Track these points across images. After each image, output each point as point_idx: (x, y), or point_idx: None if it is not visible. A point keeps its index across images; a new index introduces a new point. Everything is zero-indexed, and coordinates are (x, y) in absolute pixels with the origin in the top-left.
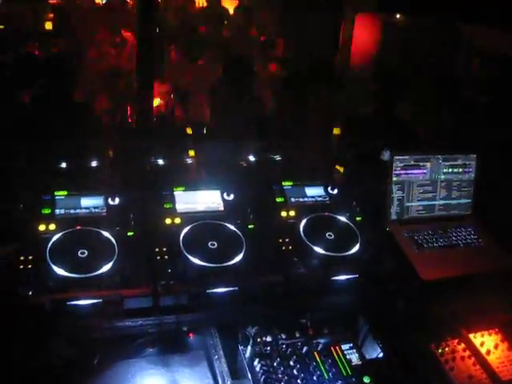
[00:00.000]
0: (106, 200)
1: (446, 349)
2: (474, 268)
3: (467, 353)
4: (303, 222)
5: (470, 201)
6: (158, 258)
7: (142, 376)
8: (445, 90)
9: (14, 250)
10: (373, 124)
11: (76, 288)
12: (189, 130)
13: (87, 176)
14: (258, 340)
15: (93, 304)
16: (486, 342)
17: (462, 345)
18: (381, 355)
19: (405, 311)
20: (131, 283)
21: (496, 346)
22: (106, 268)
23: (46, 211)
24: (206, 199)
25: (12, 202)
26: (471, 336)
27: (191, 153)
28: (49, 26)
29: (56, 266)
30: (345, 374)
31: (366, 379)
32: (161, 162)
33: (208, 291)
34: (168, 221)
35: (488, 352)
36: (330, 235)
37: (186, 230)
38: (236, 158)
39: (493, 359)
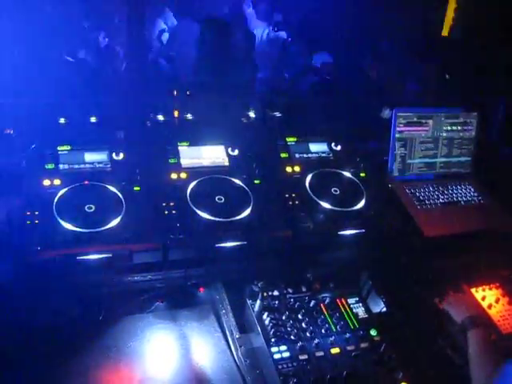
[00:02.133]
0: (110, 155)
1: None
2: (474, 225)
3: None
4: (309, 177)
5: (469, 159)
6: (166, 212)
7: (150, 330)
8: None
9: (19, 204)
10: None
11: (85, 243)
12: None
13: (89, 131)
14: (265, 294)
15: (102, 259)
16: (487, 296)
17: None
18: (384, 309)
19: (408, 266)
20: (140, 238)
21: (497, 301)
22: (115, 223)
23: (50, 166)
24: (211, 154)
25: (15, 157)
26: (473, 290)
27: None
28: None
29: (64, 220)
30: (352, 327)
31: (373, 332)
32: (161, 117)
33: (216, 245)
34: (174, 176)
35: (489, 306)
36: (335, 190)
37: (192, 184)
38: (237, 115)
39: (494, 313)
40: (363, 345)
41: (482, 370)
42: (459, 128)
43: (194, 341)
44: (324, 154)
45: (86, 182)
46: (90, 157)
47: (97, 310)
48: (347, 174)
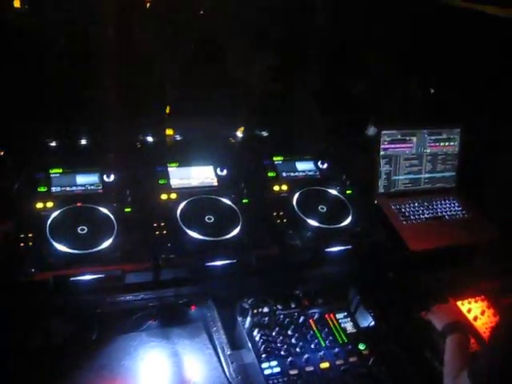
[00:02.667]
0: (101, 177)
1: None
2: (459, 239)
3: None
4: (296, 195)
5: (453, 174)
6: (157, 232)
7: (144, 349)
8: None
9: (12, 227)
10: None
11: (78, 264)
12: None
13: (80, 154)
14: (255, 311)
15: (95, 279)
16: (473, 308)
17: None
18: (372, 324)
19: (394, 281)
20: (132, 258)
21: (482, 313)
22: (107, 244)
23: (42, 189)
24: (200, 175)
25: (7, 180)
26: (459, 303)
27: (169, 131)
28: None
29: (57, 242)
30: (341, 341)
31: (362, 346)
32: (150, 139)
33: (207, 264)
34: (164, 196)
35: (475, 318)
36: (322, 208)
37: (182, 205)
38: (225, 134)
39: (479, 325)
40: (352, 359)
41: (451, 374)
42: (443, 144)
43: (187, 358)
44: (311, 173)
45: (79, 204)
46: (81, 179)
47: (90, 330)
48: (334, 191)
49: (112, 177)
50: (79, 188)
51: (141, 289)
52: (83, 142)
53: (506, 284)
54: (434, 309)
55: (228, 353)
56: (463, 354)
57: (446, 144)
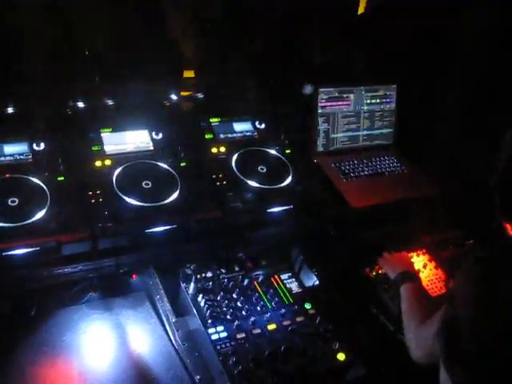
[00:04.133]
0: (30, 146)
1: (380, 271)
2: (399, 194)
3: None
4: (235, 157)
5: (391, 130)
6: (93, 201)
7: (86, 322)
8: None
9: None
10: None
11: (10, 238)
12: None
13: (7, 123)
14: (199, 276)
15: (30, 253)
16: (415, 262)
17: None
18: (317, 283)
19: (337, 238)
20: (67, 229)
21: (424, 266)
22: (40, 215)
23: None
24: (135, 139)
25: None
26: None
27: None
28: None
29: None
30: (287, 302)
31: (308, 305)
32: (81, 104)
33: (146, 231)
34: (98, 163)
35: (418, 272)
36: (262, 169)
37: (117, 171)
38: (158, 97)
39: (422, 278)
40: (299, 319)
41: (414, 321)
42: (379, 101)
43: (131, 329)
44: (249, 133)
45: (7, 176)
46: (9, 149)
47: (28, 306)
48: (273, 151)
49: (42, 145)
50: (7, 158)
51: (79, 260)
52: (10, 110)
53: (446, 236)
54: (386, 257)
55: (173, 320)
56: (421, 301)
57: (383, 101)
